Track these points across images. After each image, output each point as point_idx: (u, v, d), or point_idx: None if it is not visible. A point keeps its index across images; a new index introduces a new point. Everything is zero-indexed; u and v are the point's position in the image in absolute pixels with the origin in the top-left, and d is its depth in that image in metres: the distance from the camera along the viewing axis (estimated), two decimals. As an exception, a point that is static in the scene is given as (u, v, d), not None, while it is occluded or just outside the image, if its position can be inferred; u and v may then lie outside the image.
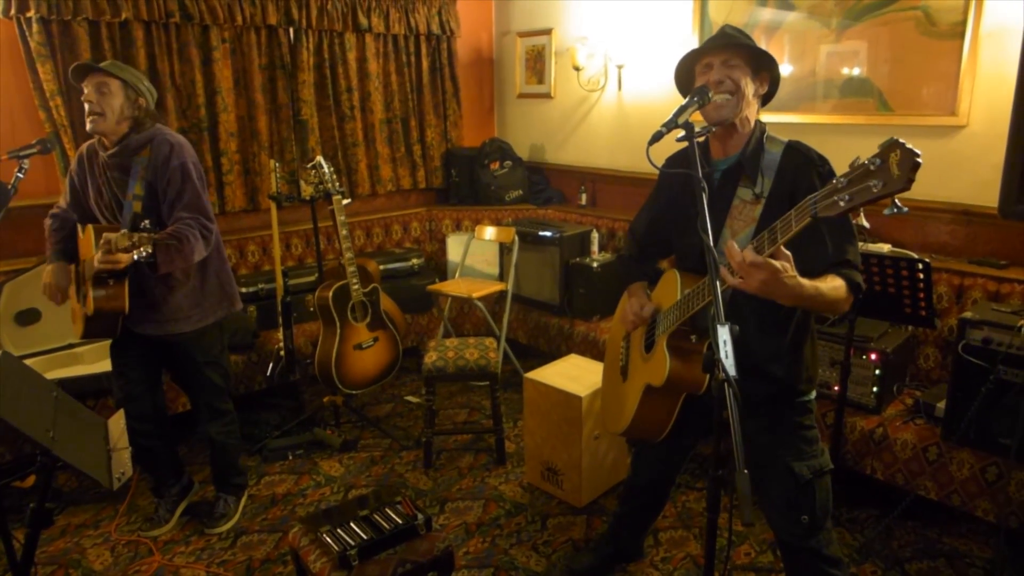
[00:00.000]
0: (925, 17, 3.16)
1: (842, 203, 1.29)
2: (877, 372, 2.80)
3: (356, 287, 3.55)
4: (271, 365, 3.75)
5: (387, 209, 5.07)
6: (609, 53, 4.59)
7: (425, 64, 5.07)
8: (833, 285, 1.65)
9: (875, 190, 1.24)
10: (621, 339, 2.27)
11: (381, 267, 4.11)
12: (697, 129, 1.67)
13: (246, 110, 4.30)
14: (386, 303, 3.78)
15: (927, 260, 2.52)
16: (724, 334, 1.41)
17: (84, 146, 2.71)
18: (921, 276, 2.53)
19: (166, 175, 2.55)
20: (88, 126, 2.54)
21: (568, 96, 5.04)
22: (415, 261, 4.63)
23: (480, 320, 4.50)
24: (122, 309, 2.52)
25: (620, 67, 4.53)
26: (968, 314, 2.53)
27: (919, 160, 1.18)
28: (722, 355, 1.38)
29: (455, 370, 3.34)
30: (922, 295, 2.56)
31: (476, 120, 5.57)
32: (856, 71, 3.46)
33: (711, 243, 1.52)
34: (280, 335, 3.72)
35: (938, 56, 3.14)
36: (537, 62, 5.21)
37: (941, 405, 2.67)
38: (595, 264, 4.13)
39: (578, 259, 4.24)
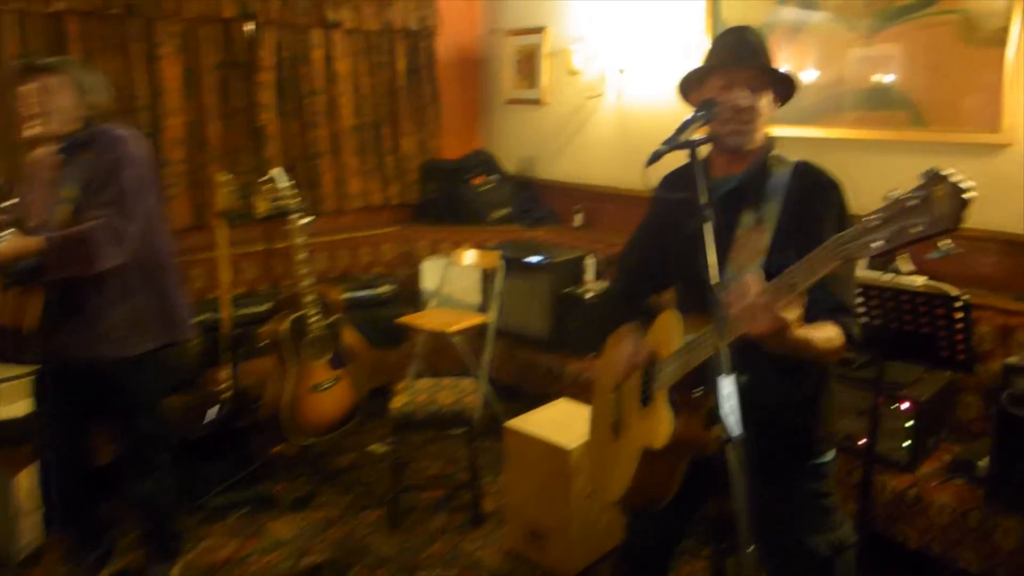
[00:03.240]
0: (965, 21, 3.19)
1: (876, 245, 1.24)
2: (910, 424, 2.78)
3: (315, 319, 3.52)
4: (213, 409, 3.69)
5: (355, 228, 5.05)
6: (609, 56, 4.61)
7: (401, 65, 5.10)
8: (828, 336, 1.62)
9: (915, 231, 1.17)
10: (610, 391, 2.22)
11: (346, 295, 4.09)
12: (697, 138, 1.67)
13: (195, 114, 4.29)
14: (350, 337, 3.74)
15: (966, 297, 2.50)
16: (728, 386, 1.38)
17: (29, 158, 2.69)
18: (959, 315, 2.52)
19: (100, 168, 2.51)
20: (26, 132, 2.53)
21: (562, 103, 5.06)
22: (385, 289, 4.61)
23: (459, 357, 4.46)
24: (18, 324, 2.46)
25: (621, 72, 4.57)
26: (1013, 360, 2.52)
27: (967, 197, 1.12)
28: (725, 411, 1.35)
29: (426, 416, 3.30)
30: (960, 336, 2.54)
31: (458, 128, 5.58)
32: (887, 80, 3.48)
33: (716, 280, 1.50)
34: (225, 374, 3.67)
35: (979, 65, 3.17)
36: (528, 64, 5.24)
37: (983, 463, 2.64)
38: (589, 294, 4.11)
39: (570, 288, 4.23)
